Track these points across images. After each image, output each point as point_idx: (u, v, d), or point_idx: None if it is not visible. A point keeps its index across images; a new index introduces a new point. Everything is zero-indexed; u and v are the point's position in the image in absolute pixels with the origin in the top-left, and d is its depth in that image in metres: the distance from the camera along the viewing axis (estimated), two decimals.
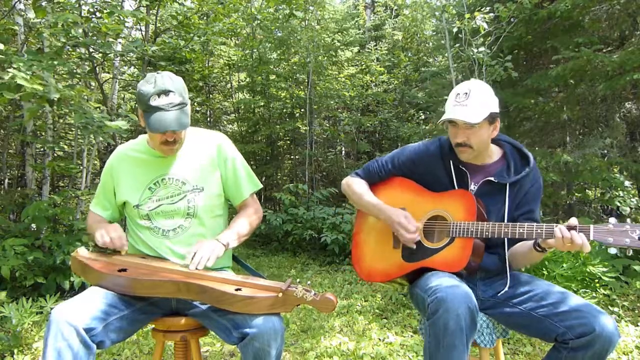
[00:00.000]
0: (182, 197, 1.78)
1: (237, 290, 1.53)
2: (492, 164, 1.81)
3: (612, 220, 1.48)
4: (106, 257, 1.73)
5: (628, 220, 1.48)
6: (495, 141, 1.84)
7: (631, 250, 1.46)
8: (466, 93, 1.70)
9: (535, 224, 1.60)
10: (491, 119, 1.72)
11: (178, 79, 1.71)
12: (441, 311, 1.47)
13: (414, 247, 1.76)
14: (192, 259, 1.63)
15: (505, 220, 1.73)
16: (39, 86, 2.82)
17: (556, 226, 1.52)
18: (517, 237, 1.61)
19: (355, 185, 1.98)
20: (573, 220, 1.52)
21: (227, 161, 1.85)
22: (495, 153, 1.84)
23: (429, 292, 1.54)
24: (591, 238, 1.48)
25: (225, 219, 1.91)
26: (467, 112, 1.67)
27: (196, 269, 1.61)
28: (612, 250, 1.53)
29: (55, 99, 3.01)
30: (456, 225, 1.70)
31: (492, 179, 1.76)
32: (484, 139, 1.74)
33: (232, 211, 1.94)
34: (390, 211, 1.81)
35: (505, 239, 1.74)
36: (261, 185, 1.97)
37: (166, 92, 1.64)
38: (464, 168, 1.80)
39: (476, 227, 1.66)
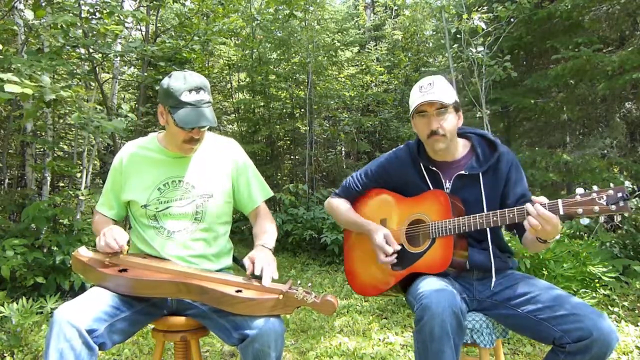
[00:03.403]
0: (190, 201, 1.77)
1: (237, 291, 1.53)
2: (461, 159, 1.84)
3: (579, 190, 1.48)
4: (107, 257, 1.73)
5: (594, 187, 1.48)
6: (461, 135, 1.88)
7: (602, 217, 1.46)
8: (430, 84, 1.76)
9: (507, 209, 1.61)
10: (457, 105, 1.79)
11: (204, 78, 1.73)
12: (426, 318, 1.48)
13: (390, 267, 1.79)
14: (262, 273, 1.57)
15: (485, 210, 1.73)
16: (30, 89, 2.76)
17: (527, 212, 1.52)
18: (492, 225, 1.63)
19: (335, 204, 2.04)
20: (542, 199, 1.53)
21: (240, 173, 1.87)
22: (463, 147, 1.87)
23: (417, 299, 1.56)
24: (561, 212, 1.48)
25: (229, 226, 1.92)
26: (438, 96, 1.72)
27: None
28: (584, 221, 1.51)
29: (52, 100, 2.98)
30: (434, 226, 1.73)
31: (463, 172, 1.78)
32: (453, 127, 1.78)
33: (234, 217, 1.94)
34: (371, 228, 1.85)
35: (488, 231, 1.76)
36: (272, 193, 1.98)
37: (197, 89, 1.66)
38: (434, 168, 1.82)
39: (453, 223, 1.68)
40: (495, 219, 1.62)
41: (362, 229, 1.91)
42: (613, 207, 1.41)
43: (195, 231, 1.77)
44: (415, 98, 1.77)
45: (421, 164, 1.85)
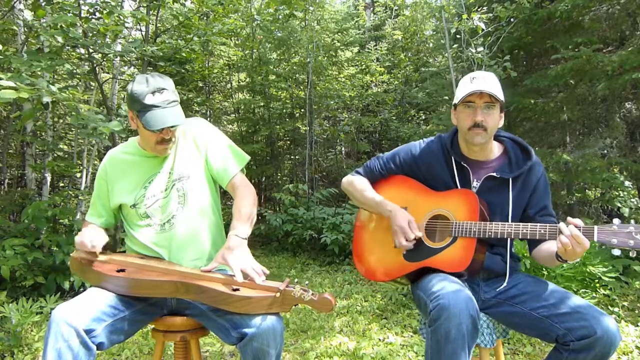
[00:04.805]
0: (171, 186, 1.79)
1: (234, 290, 1.53)
2: (493, 160, 1.81)
3: (616, 221, 1.46)
4: (104, 257, 1.73)
5: (632, 221, 1.46)
6: (495, 138, 1.85)
7: (635, 252, 1.44)
8: (483, 77, 1.72)
9: (539, 224, 1.59)
10: (502, 106, 1.75)
11: (168, 77, 1.73)
12: (443, 319, 1.46)
13: (405, 252, 1.77)
14: (248, 274, 1.55)
15: (510, 218, 1.71)
16: (25, 93, 2.74)
17: (560, 230, 1.49)
18: (520, 237, 1.60)
19: (356, 182, 1.96)
20: (578, 221, 1.50)
21: (210, 148, 1.85)
22: (496, 149, 1.84)
23: (432, 297, 1.53)
24: (595, 239, 1.47)
25: (217, 203, 1.90)
26: (490, 89, 1.68)
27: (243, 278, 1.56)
28: (616, 252, 1.49)
29: (49, 103, 2.98)
30: (459, 225, 1.69)
31: (494, 174, 1.74)
32: (496, 124, 1.74)
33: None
34: (395, 210, 1.79)
35: (509, 238, 1.73)
36: (248, 157, 1.91)
37: (160, 90, 1.66)
38: (465, 165, 1.79)
39: (479, 227, 1.65)
40: (525, 231, 1.59)
41: (382, 209, 1.84)
42: None
43: (181, 214, 1.77)
44: (466, 87, 1.73)
45: (453, 159, 1.81)
